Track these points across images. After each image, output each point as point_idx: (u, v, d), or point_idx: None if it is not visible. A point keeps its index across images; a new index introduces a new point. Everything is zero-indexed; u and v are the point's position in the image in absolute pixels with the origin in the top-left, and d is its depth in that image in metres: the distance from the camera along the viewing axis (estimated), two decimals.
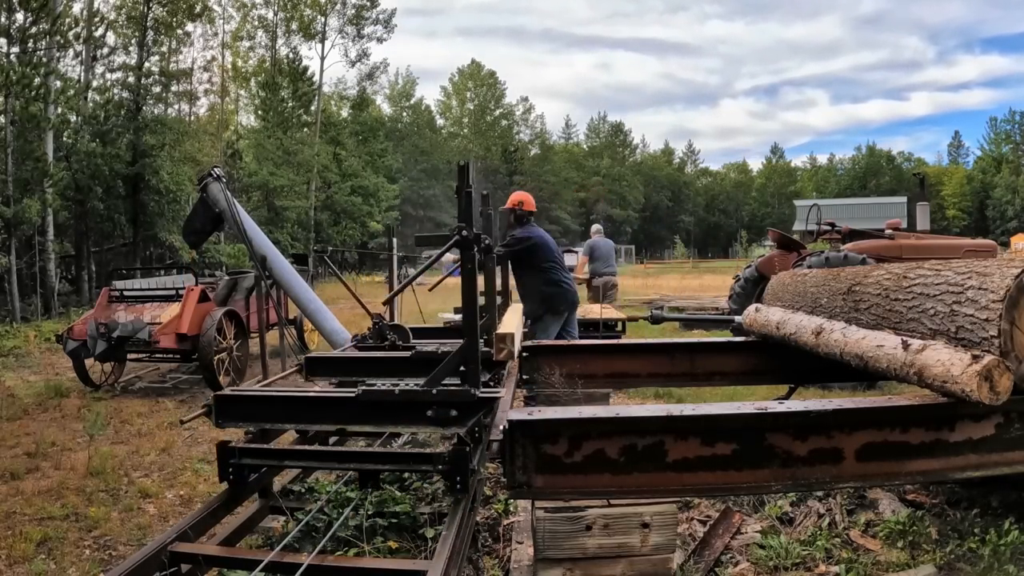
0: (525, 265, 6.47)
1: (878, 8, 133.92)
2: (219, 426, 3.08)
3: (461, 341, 2.91)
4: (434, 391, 2.80)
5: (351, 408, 2.91)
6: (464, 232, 2.80)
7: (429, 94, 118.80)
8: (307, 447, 3.56)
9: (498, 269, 5.13)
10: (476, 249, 2.88)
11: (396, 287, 5.04)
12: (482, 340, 3.48)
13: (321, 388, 3.69)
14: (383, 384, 3.20)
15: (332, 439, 3.99)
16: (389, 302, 4.14)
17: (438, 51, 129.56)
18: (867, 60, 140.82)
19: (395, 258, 8.45)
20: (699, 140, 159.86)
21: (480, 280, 3.27)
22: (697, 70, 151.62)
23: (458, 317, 6.09)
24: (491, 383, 3.56)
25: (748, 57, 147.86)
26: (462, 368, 2.83)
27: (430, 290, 6.04)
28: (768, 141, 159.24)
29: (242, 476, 3.08)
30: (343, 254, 40.58)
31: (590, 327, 7.65)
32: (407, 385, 3.06)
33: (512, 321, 4.61)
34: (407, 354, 3.97)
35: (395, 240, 7.16)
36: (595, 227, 12.62)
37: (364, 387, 2.99)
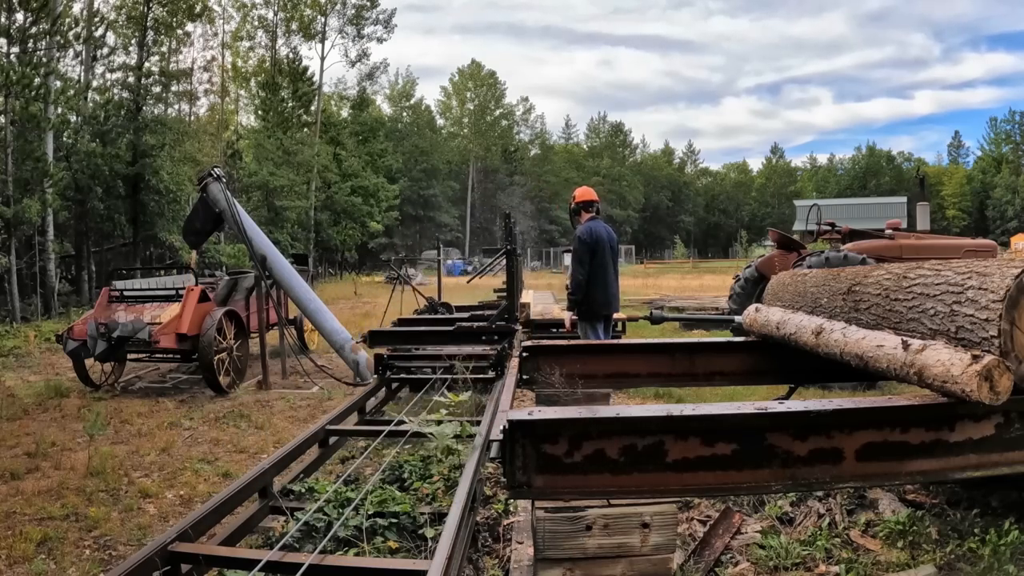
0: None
1: (884, 5, 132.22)
2: (372, 347, 6.58)
3: (486, 315, 7.22)
4: (493, 325, 6.57)
5: (447, 336, 6.54)
6: (509, 247, 6.78)
7: (428, 92, 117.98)
8: (421, 352, 6.39)
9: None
10: (513, 257, 6.75)
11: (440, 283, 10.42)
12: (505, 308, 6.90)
13: (431, 325, 7.48)
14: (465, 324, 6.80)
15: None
16: (471, 280, 9.38)
17: (437, 48, 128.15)
18: (872, 58, 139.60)
19: (441, 263, 14.14)
20: (701, 139, 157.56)
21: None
22: (700, 68, 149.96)
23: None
24: (506, 344, 6.17)
25: (752, 54, 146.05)
26: (498, 323, 6.61)
27: (468, 282, 10.38)
28: (770, 140, 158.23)
29: (387, 370, 6.09)
30: (343, 253, 40.62)
31: None
32: (478, 323, 6.74)
33: (530, 297, 8.36)
34: (449, 328, 6.73)
35: (441, 248, 10.10)
36: None
37: (458, 324, 6.75)
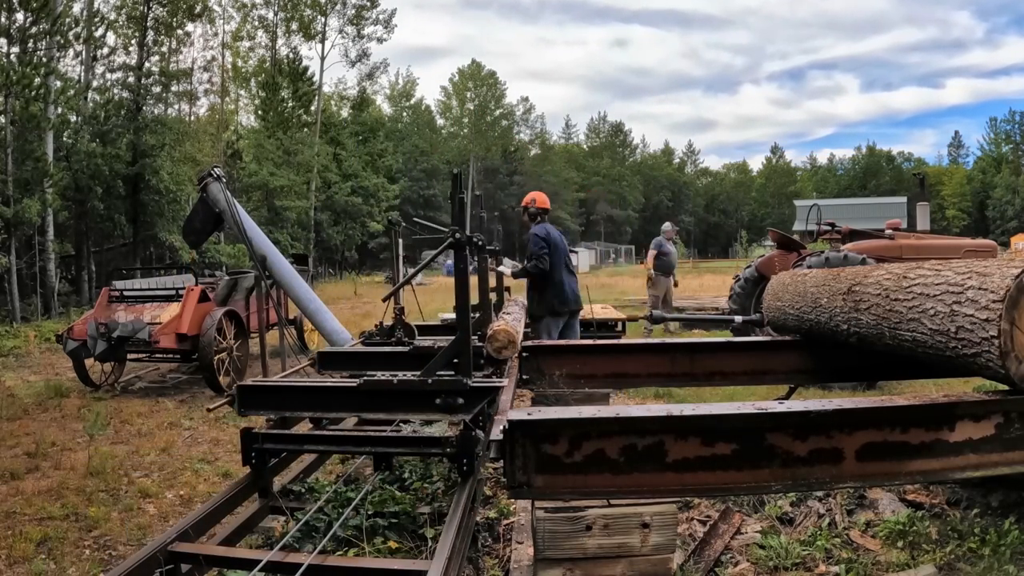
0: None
1: None
2: (241, 414, 3.50)
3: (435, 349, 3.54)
4: (429, 380, 3.15)
5: (361, 396, 3.26)
6: (457, 235, 3.11)
7: (427, 76, 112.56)
8: (325, 432, 3.87)
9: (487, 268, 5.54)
10: (468, 250, 3.21)
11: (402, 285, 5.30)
12: (477, 336, 3.90)
13: (335, 379, 3.92)
14: (382, 375, 3.56)
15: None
16: (387, 299, 4.42)
17: (436, 27, 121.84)
18: (909, 39, 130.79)
19: (400, 257, 8.77)
20: (717, 131, 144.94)
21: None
22: (721, 48, 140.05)
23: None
24: (494, 376, 3.66)
25: (778, 33, 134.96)
26: (436, 378, 3.18)
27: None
28: (790, 132, 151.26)
29: (264, 461, 3.44)
30: (343, 253, 40.62)
31: (589, 327, 7.65)
32: (405, 376, 3.42)
33: (512, 316, 4.80)
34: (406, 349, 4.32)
35: (400, 240, 7.38)
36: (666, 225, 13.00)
37: (365, 378, 3.33)
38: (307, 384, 3.56)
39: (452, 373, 3.19)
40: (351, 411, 3.56)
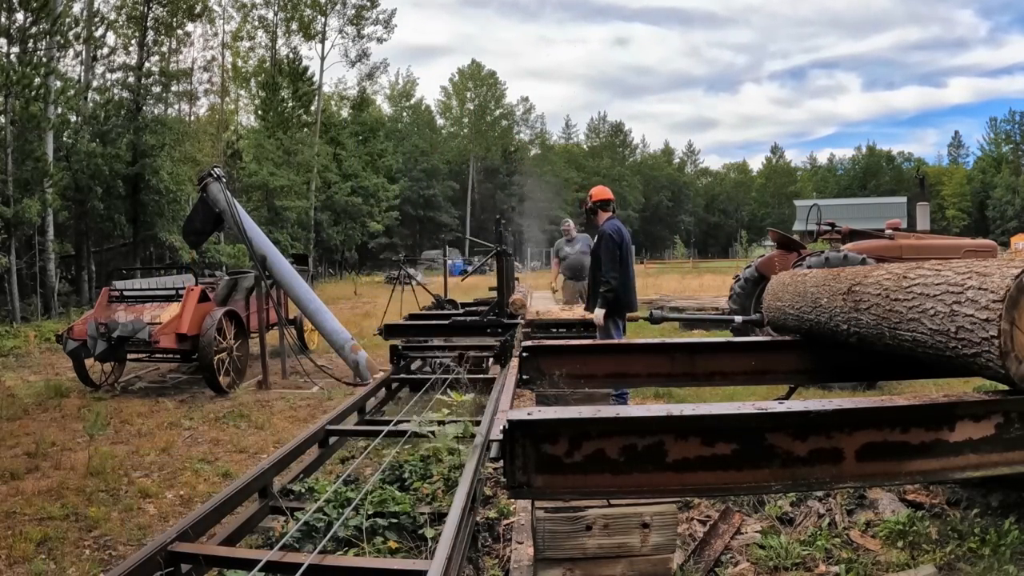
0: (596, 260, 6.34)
1: None
2: (386, 339, 7.34)
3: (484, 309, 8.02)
4: (484, 319, 7.49)
5: (448, 329, 7.55)
6: (501, 248, 7.69)
7: (426, 75, 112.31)
8: (430, 343, 7.34)
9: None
10: (505, 258, 7.66)
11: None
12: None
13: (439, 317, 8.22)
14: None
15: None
16: (465, 277, 9.88)
17: (436, 26, 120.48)
18: (911, 37, 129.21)
19: (445, 259, 13.06)
20: (718, 130, 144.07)
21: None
22: (723, 47, 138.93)
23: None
24: (508, 335, 6.59)
25: (781, 31, 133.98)
26: (489, 318, 7.49)
27: (462, 280, 12.26)
28: (791, 131, 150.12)
29: (402, 360, 6.75)
30: (343, 253, 40.63)
31: (589, 327, 7.63)
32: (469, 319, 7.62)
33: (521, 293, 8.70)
34: (445, 322, 7.70)
35: (446, 248, 10.66)
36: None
37: (454, 318, 7.73)
38: (418, 323, 7.90)
39: (495, 316, 7.45)
40: (444, 335, 7.41)
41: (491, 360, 6.63)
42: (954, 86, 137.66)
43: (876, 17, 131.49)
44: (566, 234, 10.88)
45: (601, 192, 6.65)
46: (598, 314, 6.28)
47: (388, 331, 7.42)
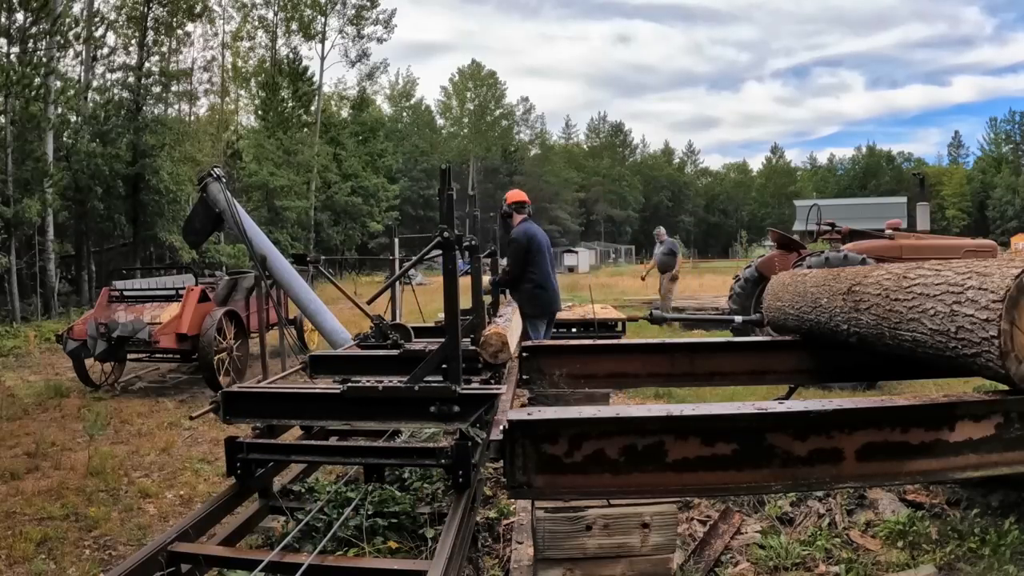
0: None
1: None
2: (226, 422, 3.18)
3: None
4: (416, 387, 2.91)
5: (349, 404, 3.02)
6: (446, 233, 2.90)
7: (426, 73, 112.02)
8: (313, 442, 3.59)
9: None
10: (457, 249, 2.99)
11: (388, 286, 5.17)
12: (470, 339, 3.67)
13: (324, 386, 3.62)
14: (367, 381, 3.31)
15: (332, 438, 4.04)
16: (372, 301, 4.24)
17: (435, 23, 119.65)
18: (916, 35, 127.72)
19: (396, 259, 8.77)
20: (720, 129, 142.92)
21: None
22: (726, 44, 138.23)
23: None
24: (491, 381, 3.52)
25: (784, 28, 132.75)
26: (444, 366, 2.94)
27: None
28: (794, 130, 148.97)
29: (249, 471, 3.18)
30: (343, 254, 40.61)
31: (590, 327, 7.64)
32: (391, 382, 3.14)
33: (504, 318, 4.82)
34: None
35: (396, 240, 7.45)
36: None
37: (350, 384, 3.10)
38: (292, 391, 3.33)
39: (440, 380, 2.96)
40: (339, 419, 3.30)
41: (439, 489, 3.82)
42: (958, 84, 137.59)
43: (881, 14, 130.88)
44: (658, 238, 14.21)
45: (515, 195, 6.83)
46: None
47: (314, 365, 4.14)
